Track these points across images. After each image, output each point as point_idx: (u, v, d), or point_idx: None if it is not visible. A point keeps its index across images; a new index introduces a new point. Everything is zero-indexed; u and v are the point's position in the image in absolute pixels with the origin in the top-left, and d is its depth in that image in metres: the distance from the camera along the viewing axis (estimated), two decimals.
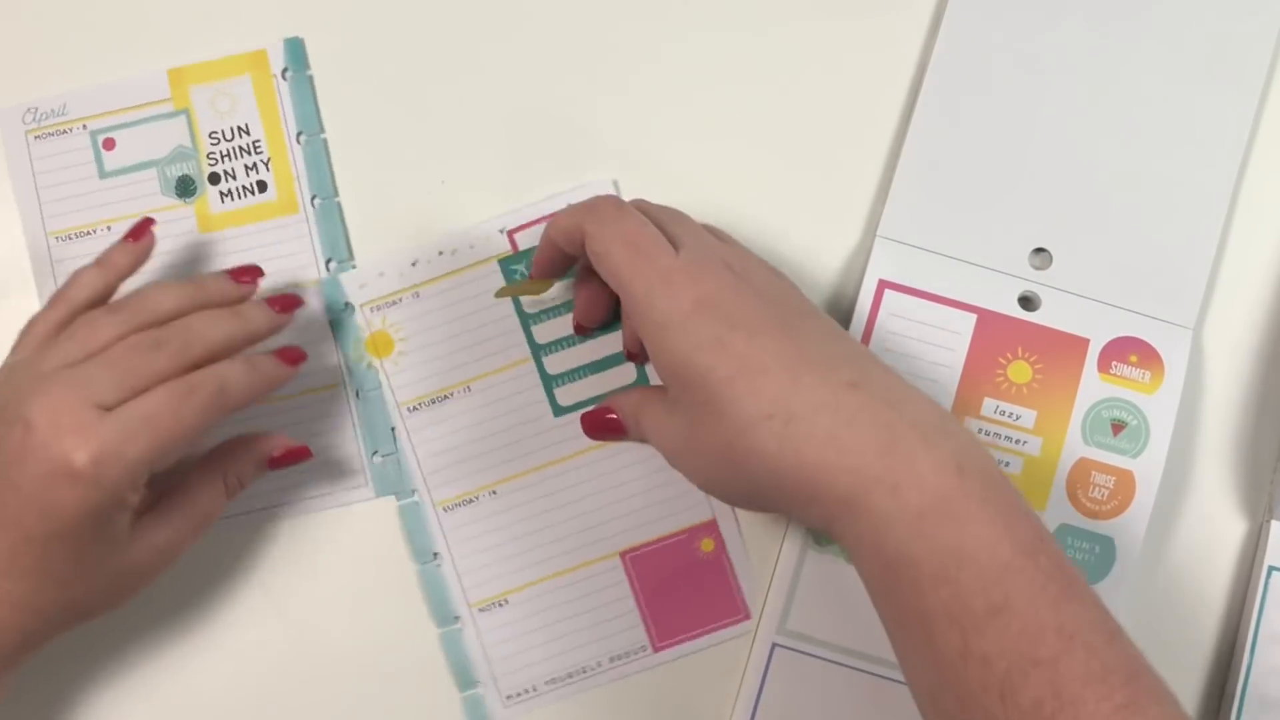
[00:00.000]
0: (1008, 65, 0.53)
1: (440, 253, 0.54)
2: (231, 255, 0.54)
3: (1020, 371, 0.51)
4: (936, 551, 0.40)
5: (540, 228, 0.53)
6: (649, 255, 0.45)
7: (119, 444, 0.43)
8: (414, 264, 0.54)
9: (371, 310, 0.54)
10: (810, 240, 0.54)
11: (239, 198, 0.54)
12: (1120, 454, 0.51)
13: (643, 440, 0.50)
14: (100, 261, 0.49)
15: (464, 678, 0.53)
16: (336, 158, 0.55)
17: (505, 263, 0.54)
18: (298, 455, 0.50)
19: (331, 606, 0.54)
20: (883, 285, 0.52)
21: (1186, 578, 0.53)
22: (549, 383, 0.54)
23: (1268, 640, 0.51)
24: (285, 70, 0.54)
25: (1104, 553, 0.50)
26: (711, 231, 0.50)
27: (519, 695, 0.53)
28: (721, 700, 0.53)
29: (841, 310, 0.54)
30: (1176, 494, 0.53)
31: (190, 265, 0.54)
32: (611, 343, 0.54)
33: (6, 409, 0.44)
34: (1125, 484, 0.50)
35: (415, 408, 0.54)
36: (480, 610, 0.53)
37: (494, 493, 0.54)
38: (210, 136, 0.54)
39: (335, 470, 0.54)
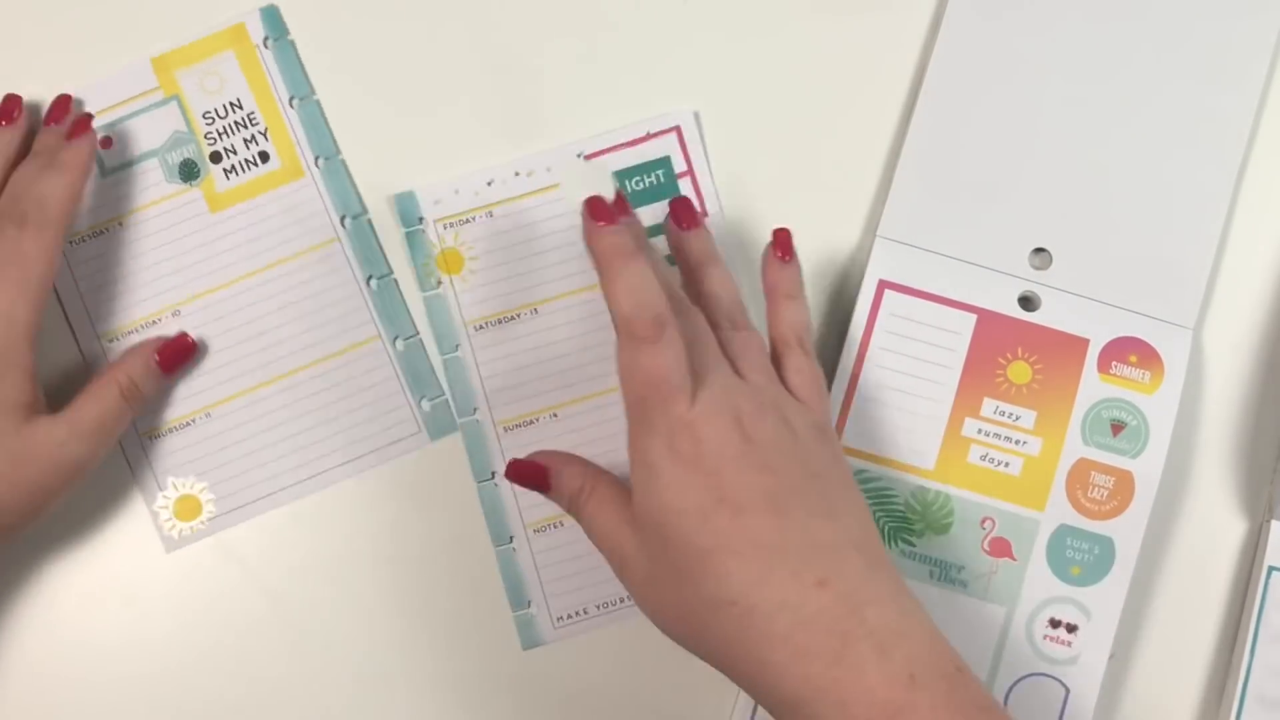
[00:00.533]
0: (1008, 65, 0.52)
1: (516, 174, 0.54)
2: (245, 229, 0.54)
3: (1020, 372, 0.51)
4: None
5: (618, 154, 0.54)
6: (664, 402, 0.43)
7: None
8: (489, 183, 0.54)
9: (444, 227, 0.54)
10: (810, 239, 0.54)
11: (243, 172, 0.54)
12: (1120, 454, 0.51)
13: (577, 520, 0.48)
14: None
15: (517, 598, 0.54)
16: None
17: None
18: (180, 347, 0.52)
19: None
20: (883, 285, 0.52)
21: (1186, 578, 0.53)
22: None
23: (1268, 640, 0.51)
24: (266, 39, 0.54)
25: (1103, 553, 0.50)
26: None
27: (569, 618, 0.53)
28: None
29: (841, 310, 0.53)
30: (1176, 494, 0.53)
31: (206, 245, 0.54)
32: (661, 244, 0.53)
33: None
34: (1125, 484, 0.50)
35: (482, 326, 0.54)
36: (535, 531, 0.54)
37: (555, 415, 0.54)
38: (204, 117, 0.54)
39: (385, 420, 0.54)
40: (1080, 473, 0.51)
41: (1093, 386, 0.51)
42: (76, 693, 0.54)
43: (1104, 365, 0.51)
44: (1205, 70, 0.52)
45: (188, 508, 0.54)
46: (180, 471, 0.54)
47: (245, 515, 0.54)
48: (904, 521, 0.51)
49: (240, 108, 0.54)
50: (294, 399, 0.54)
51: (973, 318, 0.51)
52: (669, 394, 0.43)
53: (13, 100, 0.52)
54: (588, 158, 0.54)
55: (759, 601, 0.41)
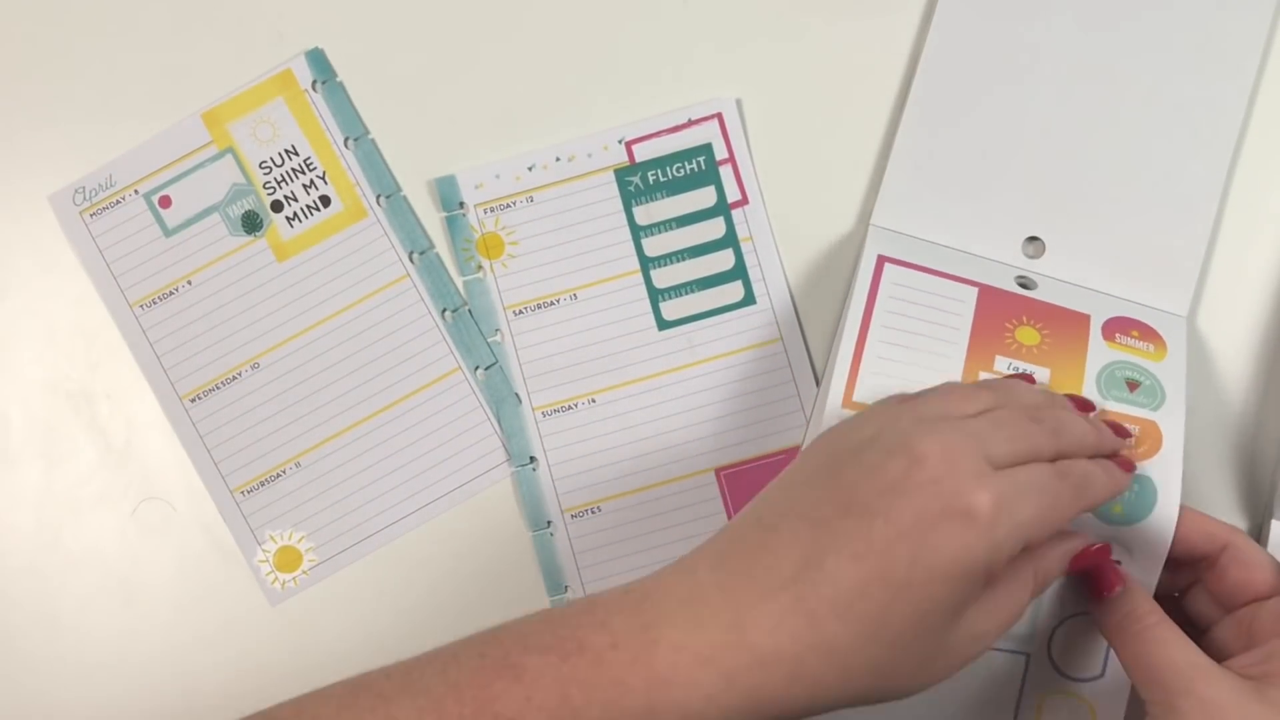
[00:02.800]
0: (1001, 54, 0.54)
1: (557, 159, 0.54)
2: (314, 275, 0.55)
3: (1028, 335, 0.50)
4: None
5: (659, 141, 0.54)
6: None
7: (1014, 500, 0.39)
8: (530, 168, 0.54)
9: (485, 211, 0.54)
10: (805, 228, 0.54)
11: (306, 218, 0.55)
12: (1140, 407, 0.48)
13: (1116, 642, 0.44)
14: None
15: (553, 582, 0.54)
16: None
17: (621, 173, 0.54)
18: (1102, 556, 0.45)
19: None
20: (882, 260, 0.51)
21: None
22: (655, 296, 0.54)
23: None
24: (315, 83, 0.55)
25: (1143, 491, 0.46)
26: None
27: None
28: None
29: (836, 297, 0.53)
30: None
31: (278, 295, 0.55)
32: (720, 261, 0.54)
33: (884, 438, 0.41)
34: (1151, 432, 0.48)
35: (521, 311, 0.54)
36: (573, 516, 0.54)
37: (593, 401, 0.54)
38: (261, 167, 0.55)
39: (475, 451, 0.55)
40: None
41: (1100, 352, 0.49)
42: None
43: (1109, 335, 0.50)
44: (1198, 58, 0.53)
45: (288, 559, 0.55)
46: (277, 524, 0.55)
47: (347, 560, 0.55)
48: None
49: (296, 154, 0.55)
50: (381, 439, 0.54)
51: (974, 290, 0.51)
52: None
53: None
54: (629, 143, 0.55)
55: None
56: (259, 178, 0.55)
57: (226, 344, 0.55)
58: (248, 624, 0.54)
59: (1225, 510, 0.52)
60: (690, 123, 0.55)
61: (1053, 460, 0.42)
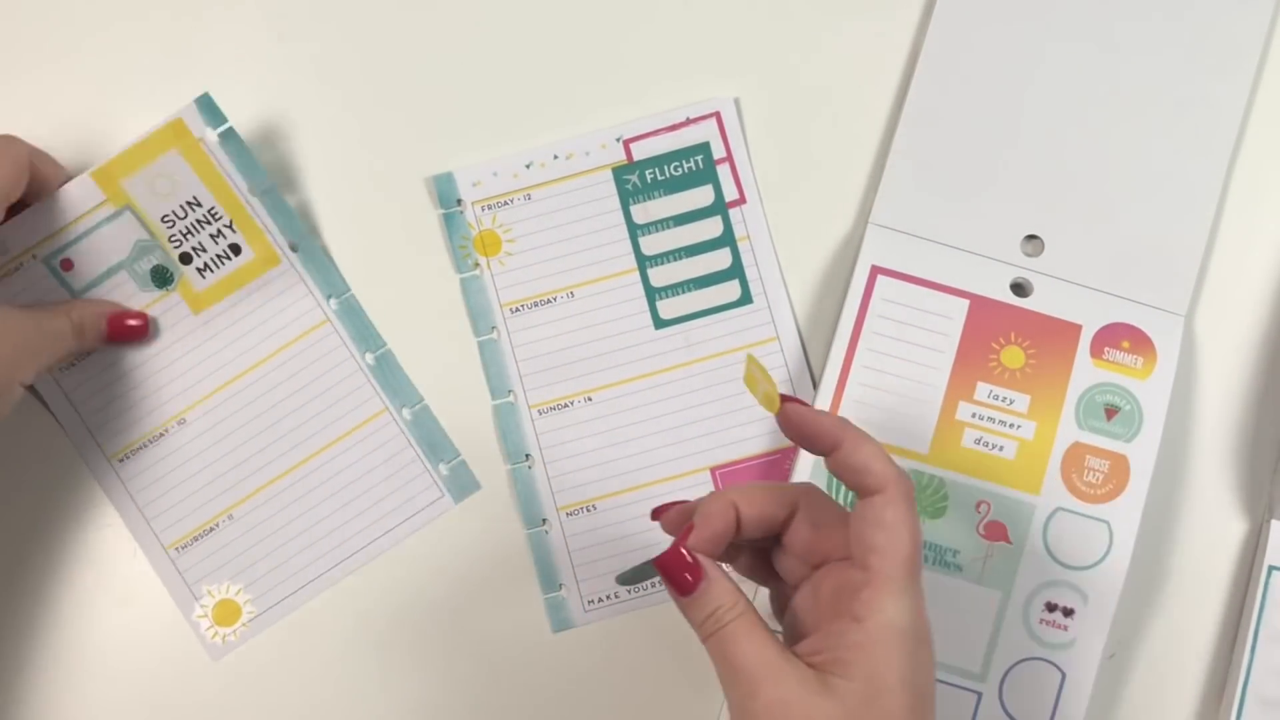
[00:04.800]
0: (999, 53, 0.53)
1: (555, 156, 0.55)
2: (234, 324, 0.53)
3: (1013, 356, 0.51)
4: None
5: (657, 139, 0.54)
6: (919, 558, 0.41)
7: None
8: (528, 166, 0.54)
9: (482, 209, 0.55)
10: (803, 227, 0.54)
11: (217, 267, 0.53)
12: (1114, 438, 0.50)
13: (705, 637, 0.42)
14: None
15: (548, 580, 0.54)
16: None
17: (619, 172, 0.54)
18: (131, 329, 0.52)
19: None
20: (875, 271, 0.52)
21: (1186, 577, 0.53)
22: (652, 295, 0.54)
23: (1268, 640, 0.51)
24: (208, 130, 0.52)
25: (1097, 536, 0.50)
26: None
27: (600, 601, 0.53)
28: None
29: (834, 296, 0.54)
30: (1176, 493, 0.53)
31: (198, 348, 0.53)
32: (717, 260, 0.54)
33: None
34: (1120, 468, 0.50)
35: (518, 309, 0.54)
36: (568, 515, 0.54)
37: (589, 399, 0.54)
38: (164, 220, 0.52)
39: (408, 490, 0.54)
40: (1075, 456, 0.50)
41: (1085, 371, 0.51)
42: None
43: (1096, 350, 0.51)
44: (1197, 58, 0.53)
45: (227, 612, 0.54)
46: (213, 578, 0.54)
47: (286, 609, 0.54)
48: None
49: (199, 205, 0.52)
50: (313, 485, 0.54)
51: (965, 303, 0.51)
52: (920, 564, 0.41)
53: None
54: (627, 142, 0.54)
55: None
56: (163, 231, 0.52)
57: (151, 401, 0.53)
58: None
59: (1225, 510, 0.53)
60: (688, 121, 0.54)
61: None
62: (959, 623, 0.50)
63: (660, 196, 0.54)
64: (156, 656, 0.53)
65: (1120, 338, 0.51)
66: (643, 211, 0.54)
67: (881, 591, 0.40)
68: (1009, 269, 0.52)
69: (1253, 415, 0.53)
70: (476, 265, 0.54)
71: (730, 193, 0.54)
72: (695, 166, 0.54)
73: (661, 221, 0.54)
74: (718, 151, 0.54)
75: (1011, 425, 0.51)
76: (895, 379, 0.51)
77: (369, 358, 0.54)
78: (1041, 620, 0.50)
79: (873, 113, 0.54)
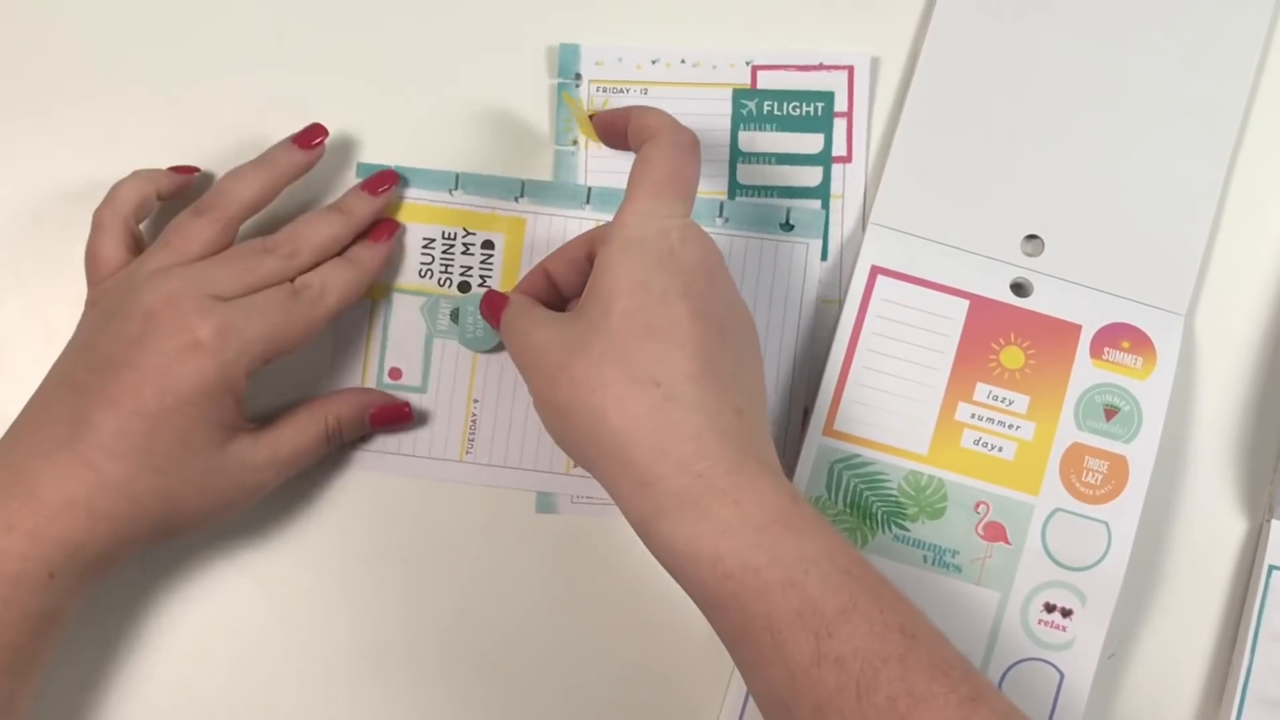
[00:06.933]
0: (1000, 52, 0.53)
1: (683, 61, 0.54)
2: None
3: (1013, 357, 0.51)
4: (781, 559, 0.40)
5: (785, 74, 0.54)
6: (677, 188, 0.45)
7: (238, 322, 0.45)
8: (654, 62, 0.54)
9: (597, 89, 0.54)
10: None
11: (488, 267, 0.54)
12: (1113, 439, 0.50)
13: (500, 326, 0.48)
14: (260, 161, 0.50)
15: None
16: None
17: (739, 94, 0.54)
18: (397, 412, 0.52)
19: None
20: (875, 271, 0.52)
21: (1186, 577, 0.53)
22: None
23: (1268, 640, 0.51)
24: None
25: (1096, 537, 0.50)
26: None
27: (586, 499, 0.53)
28: None
29: (834, 297, 0.54)
30: (1176, 493, 0.53)
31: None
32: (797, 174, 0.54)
33: (123, 304, 0.46)
34: (1119, 469, 0.50)
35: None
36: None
37: None
38: (421, 275, 0.54)
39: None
40: (1074, 457, 0.50)
41: (1085, 371, 0.51)
42: None
43: (1096, 351, 0.51)
44: (1197, 57, 0.52)
45: None
46: None
47: None
48: (898, 506, 0.51)
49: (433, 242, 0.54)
50: None
51: (965, 303, 0.51)
52: (683, 185, 0.45)
53: (318, 130, 0.51)
54: (756, 67, 0.54)
55: (684, 394, 0.42)
56: (430, 285, 0.54)
57: None
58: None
59: (1225, 509, 0.53)
60: (821, 66, 0.54)
61: (293, 280, 0.48)
62: (958, 624, 0.50)
63: (771, 130, 0.54)
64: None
65: (1120, 338, 0.51)
66: (749, 140, 0.54)
67: (622, 212, 0.44)
68: (1009, 269, 0.52)
69: (1253, 415, 0.53)
70: (575, 142, 0.54)
71: (839, 148, 0.54)
72: (814, 112, 0.54)
73: (764, 155, 0.54)
74: (840, 105, 0.54)
75: (1011, 426, 0.51)
76: (895, 379, 0.51)
77: None
78: (1040, 621, 0.50)
79: (872, 112, 0.54)
